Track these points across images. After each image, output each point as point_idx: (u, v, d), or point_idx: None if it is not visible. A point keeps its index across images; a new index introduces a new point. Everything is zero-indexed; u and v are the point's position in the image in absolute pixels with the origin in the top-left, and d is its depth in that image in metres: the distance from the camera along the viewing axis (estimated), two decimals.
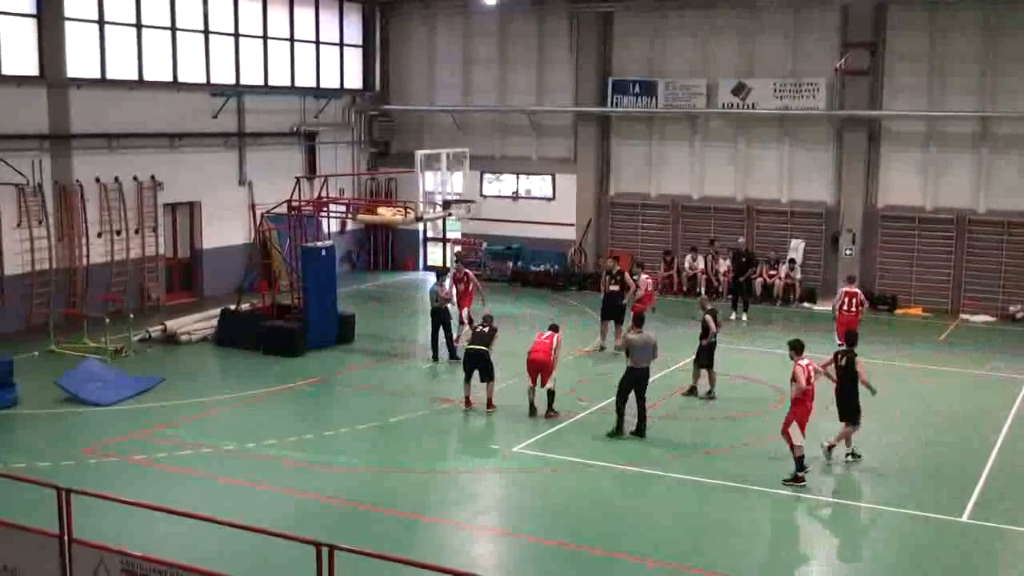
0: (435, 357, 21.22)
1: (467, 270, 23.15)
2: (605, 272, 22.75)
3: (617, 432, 16.32)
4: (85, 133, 24.13)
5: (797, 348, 14.75)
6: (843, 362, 15.21)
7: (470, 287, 22.62)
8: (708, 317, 18.68)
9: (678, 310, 25.67)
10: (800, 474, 14.35)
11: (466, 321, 21.86)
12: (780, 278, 28.08)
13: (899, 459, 15.80)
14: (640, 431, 16.36)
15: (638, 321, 16.95)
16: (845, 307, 21.78)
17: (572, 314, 25.70)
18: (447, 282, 22.11)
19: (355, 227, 31.61)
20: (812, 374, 14.54)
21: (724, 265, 27.93)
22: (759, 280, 27.95)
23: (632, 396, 16.37)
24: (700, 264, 28.93)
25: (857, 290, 22.37)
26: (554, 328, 17.94)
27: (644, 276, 23.18)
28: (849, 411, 15.19)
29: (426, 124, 33.16)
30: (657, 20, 29.79)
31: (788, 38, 28.41)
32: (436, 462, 15.71)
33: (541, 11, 31.13)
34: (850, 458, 15.31)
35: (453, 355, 20.88)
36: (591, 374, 20.28)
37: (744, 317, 25.52)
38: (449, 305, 21.54)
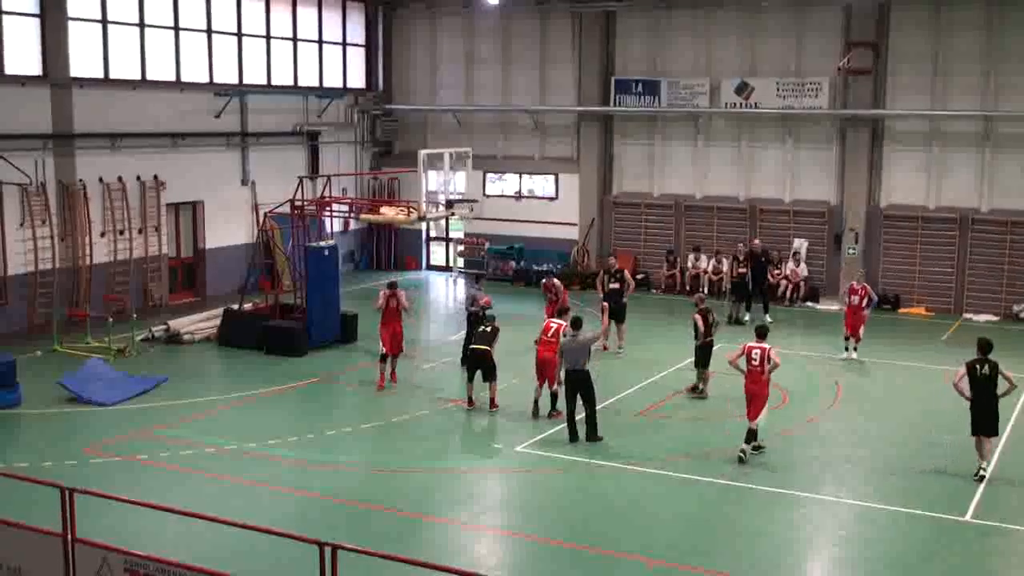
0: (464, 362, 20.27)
1: (400, 291, 19.85)
2: (603, 271, 22.66)
3: (571, 438, 16.16)
4: (88, 132, 24.14)
5: (759, 333, 15.96)
6: (985, 370, 14.63)
7: (400, 303, 19.58)
8: (698, 317, 18.82)
9: (680, 310, 25.62)
10: (746, 446, 15.34)
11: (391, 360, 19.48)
12: (787, 277, 27.99)
13: (902, 458, 15.79)
14: (590, 436, 16.14)
15: (575, 324, 16.67)
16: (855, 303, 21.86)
17: (573, 313, 25.55)
18: (481, 289, 21.24)
19: (358, 227, 31.62)
20: (750, 356, 15.40)
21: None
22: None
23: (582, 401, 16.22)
24: (703, 264, 28.89)
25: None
26: (561, 312, 18.09)
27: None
28: (993, 421, 14.63)
29: (429, 124, 33.18)
30: (660, 19, 29.79)
31: (791, 37, 28.42)
32: (438, 461, 15.72)
33: (544, 10, 31.12)
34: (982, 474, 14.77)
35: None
36: (593, 374, 20.13)
37: (752, 318, 25.37)
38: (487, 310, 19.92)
